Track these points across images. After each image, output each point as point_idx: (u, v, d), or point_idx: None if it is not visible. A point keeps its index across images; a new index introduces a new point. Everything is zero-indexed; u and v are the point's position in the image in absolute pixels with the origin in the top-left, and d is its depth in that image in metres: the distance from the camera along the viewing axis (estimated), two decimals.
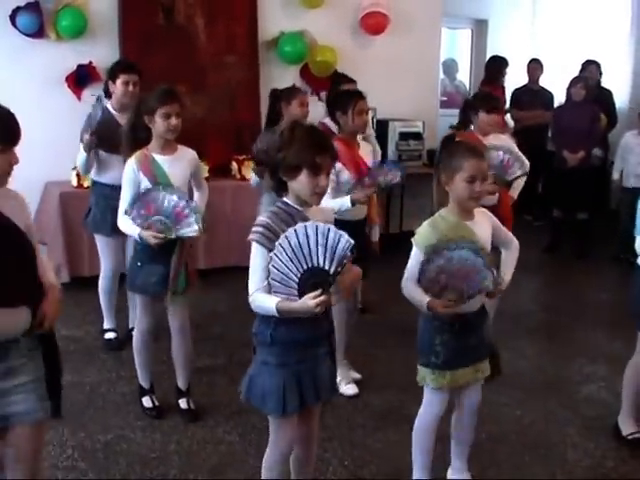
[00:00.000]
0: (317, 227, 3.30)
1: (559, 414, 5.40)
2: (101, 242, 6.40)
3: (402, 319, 6.67)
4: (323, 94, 9.19)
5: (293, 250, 3.30)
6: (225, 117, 8.80)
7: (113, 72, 6.27)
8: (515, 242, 4.21)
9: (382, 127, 9.32)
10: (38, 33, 8.25)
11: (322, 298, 3.28)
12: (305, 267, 3.31)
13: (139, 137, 5.00)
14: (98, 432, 5.00)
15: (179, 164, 5.02)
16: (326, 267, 3.29)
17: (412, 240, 3.97)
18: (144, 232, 4.80)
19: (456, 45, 14.06)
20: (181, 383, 5.30)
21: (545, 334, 6.97)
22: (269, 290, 3.40)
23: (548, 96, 10.86)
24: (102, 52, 8.40)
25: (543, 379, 5.95)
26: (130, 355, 5.45)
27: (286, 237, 3.30)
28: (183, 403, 5.27)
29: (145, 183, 4.87)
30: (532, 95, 10.77)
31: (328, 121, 6.53)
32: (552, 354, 6.54)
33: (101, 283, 6.45)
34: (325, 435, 4.81)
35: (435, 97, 10.76)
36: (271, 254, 3.32)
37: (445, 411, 4.22)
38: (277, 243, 3.32)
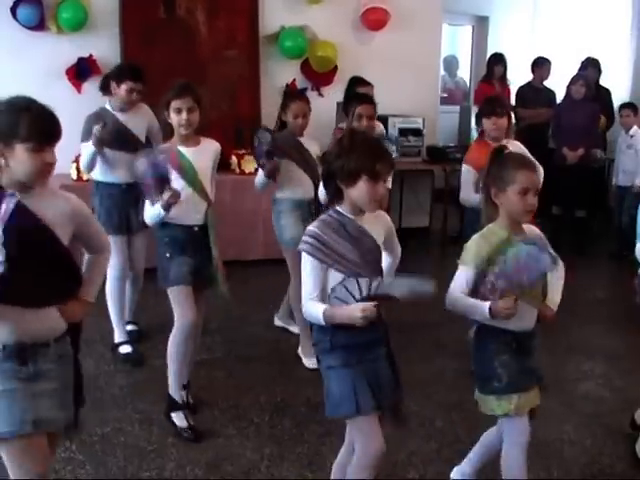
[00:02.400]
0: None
1: (556, 411, 5.39)
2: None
3: (401, 317, 6.70)
4: (323, 89, 9.24)
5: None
6: (225, 111, 8.82)
7: (120, 75, 6.15)
8: (561, 262, 3.94)
9: (382, 123, 9.30)
10: (39, 26, 8.27)
11: (371, 309, 3.30)
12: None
13: (166, 132, 5.01)
14: (96, 424, 5.01)
15: (203, 156, 4.98)
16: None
17: (459, 261, 3.81)
18: (164, 197, 4.69)
19: (457, 41, 14.07)
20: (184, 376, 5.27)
21: (543, 331, 6.96)
22: (322, 299, 3.43)
23: (551, 94, 10.85)
24: (103, 45, 8.43)
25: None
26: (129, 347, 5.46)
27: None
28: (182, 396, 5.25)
29: (173, 175, 4.80)
30: (536, 93, 10.75)
31: (344, 125, 6.54)
32: (549, 351, 6.53)
33: (109, 286, 6.22)
34: (323, 430, 4.82)
35: (435, 93, 10.76)
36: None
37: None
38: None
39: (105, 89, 6.24)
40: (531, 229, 3.95)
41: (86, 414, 5.05)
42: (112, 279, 6.18)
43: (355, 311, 3.33)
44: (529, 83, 10.81)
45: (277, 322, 6.79)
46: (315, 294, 3.45)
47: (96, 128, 5.82)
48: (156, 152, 4.90)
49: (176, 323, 4.94)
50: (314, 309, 3.45)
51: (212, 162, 5.06)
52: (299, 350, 6.18)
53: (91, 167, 6.11)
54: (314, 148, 6.04)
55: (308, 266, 3.48)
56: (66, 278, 3.28)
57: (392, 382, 3.70)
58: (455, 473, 4.37)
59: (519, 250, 3.67)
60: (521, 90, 10.92)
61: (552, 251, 3.74)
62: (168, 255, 4.93)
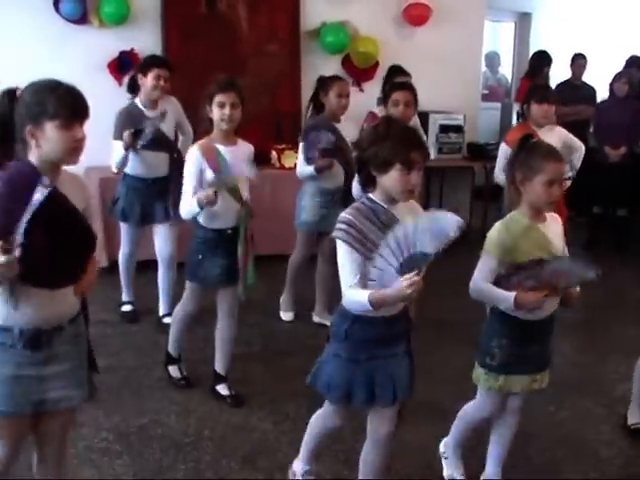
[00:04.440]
0: (425, 215, 3.41)
1: (594, 411, 5.36)
2: (125, 230, 6.57)
3: (439, 312, 6.69)
4: (364, 85, 9.22)
5: (393, 252, 3.30)
6: (266, 106, 8.81)
7: (145, 65, 6.26)
8: None
9: (422, 119, 9.25)
10: (81, 19, 8.32)
11: (415, 279, 3.25)
12: (406, 255, 3.29)
13: (204, 127, 5.00)
14: (133, 416, 5.04)
15: (240, 157, 4.99)
16: (427, 250, 3.27)
17: (483, 248, 3.86)
18: (199, 195, 4.76)
19: (499, 38, 13.99)
20: (221, 368, 5.32)
21: (582, 330, 6.92)
22: (363, 285, 3.40)
23: (590, 91, 10.75)
24: (144, 39, 8.46)
25: (578, 376, 5.91)
26: (165, 339, 5.48)
27: (392, 232, 3.31)
28: (223, 389, 5.31)
29: (208, 172, 4.84)
30: (574, 90, 10.65)
31: (378, 110, 6.54)
32: (589, 351, 6.50)
33: (121, 260, 6.76)
34: (359, 426, 4.81)
35: (477, 90, 10.71)
36: (382, 242, 3.34)
37: (492, 415, 4.20)
38: (385, 240, 3.32)
39: (132, 89, 6.28)
40: (554, 217, 3.97)
41: (124, 405, 5.14)
42: (123, 258, 6.74)
43: (402, 287, 3.26)
44: (567, 80, 10.70)
45: (315, 319, 6.80)
46: (355, 281, 3.41)
47: (126, 134, 5.90)
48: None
49: (181, 306, 5.33)
50: (357, 296, 3.40)
51: (246, 163, 5.07)
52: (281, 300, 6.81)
53: (123, 167, 6.22)
54: (352, 131, 6.11)
55: (344, 254, 3.45)
56: (86, 257, 3.32)
57: (406, 379, 3.72)
58: (485, 475, 4.37)
59: (560, 264, 3.67)
60: (559, 88, 10.83)
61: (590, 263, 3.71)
62: (200, 257, 5.02)
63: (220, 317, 5.24)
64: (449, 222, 3.26)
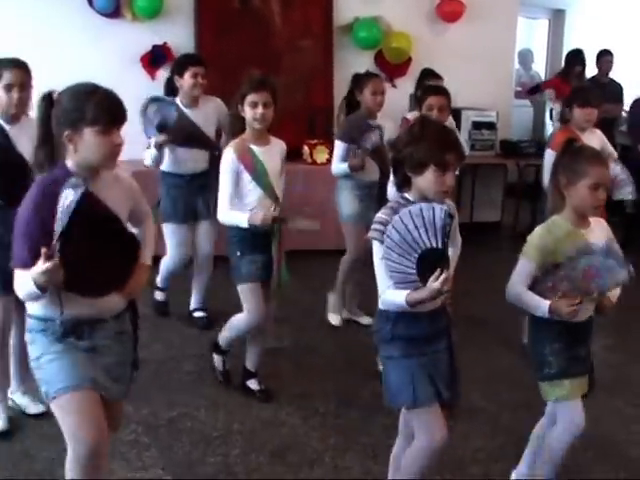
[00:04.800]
0: (410, 211, 3.29)
1: (624, 411, 5.32)
2: (170, 230, 6.37)
3: (473, 310, 6.66)
4: (396, 81, 9.20)
5: (400, 246, 3.29)
6: (298, 101, 8.77)
7: (180, 65, 6.22)
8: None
9: (455, 115, 9.20)
10: (114, 13, 8.35)
11: (443, 275, 3.25)
12: (416, 255, 3.28)
13: (236, 127, 4.97)
14: (162, 409, 5.05)
15: (273, 156, 4.96)
16: (434, 245, 3.27)
17: (522, 251, 3.79)
18: (252, 216, 4.72)
19: (532, 35, 13.91)
20: (251, 365, 5.31)
21: (613, 330, 6.86)
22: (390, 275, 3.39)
23: (617, 88, 10.61)
24: (177, 33, 8.49)
25: (610, 375, 5.84)
26: (195, 333, 5.49)
27: (389, 236, 3.31)
28: (254, 384, 5.30)
29: (244, 173, 4.82)
30: (601, 88, 10.53)
31: (411, 115, 6.52)
32: (622, 350, 6.44)
33: (167, 263, 6.47)
34: (388, 421, 4.79)
35: (510, 87, 10.64)
36: (383, 253, 3.34)
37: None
38: (384, 245, 3.33)
39: (171, 91, 6.27)
40: (599, 222, 3.91)
41: (153, 398, 5.14)
42: (169, 264, 6.46)
43: (432, 285, 3.26)
44: (593, 78, 10.52)
45: (345, 314, 6.77)
46: (392, 282, 3.40)
47: (159, 137, 5.90)
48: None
49: (244, 315, 5.08)
50: (394, 297, 3.40)
51: (280, 162, 5.04)
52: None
53: (156, 164, 6.20)
54: (389, 125, 6.14)
55: (380, 254, 3.43)
56: (128, 265, 3.34)
57: (450, 377, 3.67)
58: (514, 475, 4.31)
59: (592, 260, 3.63)
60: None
61: (629, 265, 3.67)
62: (239, 254, 4.97)
63: None
64: (435, 212, 3.27)
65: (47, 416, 4.29)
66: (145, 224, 3.60)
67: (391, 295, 3.43)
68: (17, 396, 5.02)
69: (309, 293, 6.99)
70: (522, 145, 9.79)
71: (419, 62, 8.75)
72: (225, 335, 5.29)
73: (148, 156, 6.11)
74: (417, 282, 3.32)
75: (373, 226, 3.45)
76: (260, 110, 4.78)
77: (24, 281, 3.02)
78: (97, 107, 3.05)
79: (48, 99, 3.17)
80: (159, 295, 6.76)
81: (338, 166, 6.18)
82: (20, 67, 4.49)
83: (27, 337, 3.30)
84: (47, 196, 3.01)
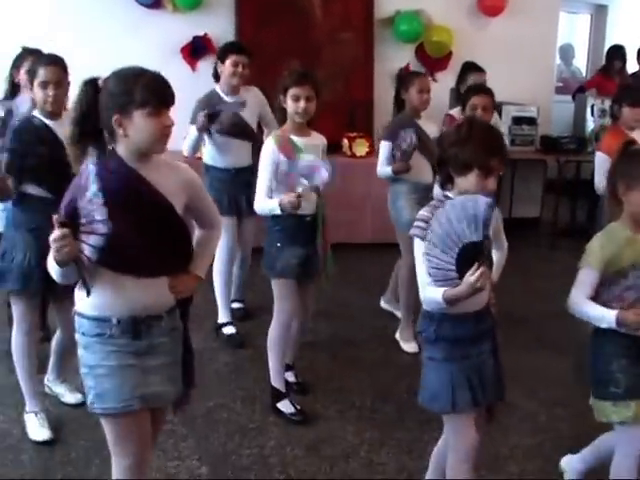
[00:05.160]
0: (453, 204, 3.27)
1: None
2: None
3: (507, 307, 6.60)
4: (437, 75, 9.16)
5: (442, 241, 3.26)
6: (338, 94, 8.74)
7: (223, 52, 6.21)
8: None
9: (496, 110, 9.19)
10: (155, 4, 8.40)
11: (480, 270, 3.21)
12: (457, 250, 3.25)
13: (279, 118, 4.97)
14: (199, 399, 5.04)
15: (314, 149, 4.93)
16: (474, 238, 3.23)
17: (582, 260, 3.66)
18: (282, 198, 4.66)
19: (574, 30, 13.81)
20: (289, 358, 5.29)
21: None
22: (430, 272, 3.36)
23: None
24: (217, 24, 8.51)
25: None
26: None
27: (432, 231, 3.28)
28: (290, 376, 5.28)
29: (284, 164, 4.79)
30: None
31: (455, 112, 6.49)
32: None
33: (217, 266, 6.23)
34: (424, 417, 4.78)
35: (551, 82, 10.58)
36: (425, 249, 3.31)
37: None
38: (426, 241, 3.30)
39: (216, 76, 6.26)
40: None
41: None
42: (220, 260, 6.20)
43: (467, 279, 3.22)
44: (634, 74, 10.34)
45: (383, 305, 6.76)
46: (432, 279, 3.36)
47: (200, 115, 5.86)
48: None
49: (275, 316, 5.00)
50: (432, 294, 3.37)
51: (321, 155, 5.01)
52: (397, 334, 6.18)
53: (194, 150, 6.17)
54: (432, 129, 6.06)
55: (421, 252, 3.40)
56: (179, 250, 3.29)
57: (495, 379, 3.61)
58: (566, 464, 4.25)
59: None
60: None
61: None
62: (279, 245, 4.91)
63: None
64: (478, 204, 3.22)
65: (84, 405, 4.30)
66: (209, 232, 3.54)
67: (430, 292, 3.39)
68: (54, 384, 5.05)
69: (345, 286, 6.99)
70: (562, 141, 9.71)
71: (460, 56, 8.72)
72: (271, 361, 5.07)
73: (186, 142, 6.09)
74: (457, 280, 3.28)
75: (415, 223, 3.42)
76: (302, 104, 4.76)
77: (50, 259, 2.99)
78: (146, 89, 3.02)
79: (92, 85, 3.14)
80: (228, 329, 6.29)
81: (383, 169, 6.10)
82: (56, 64, 4.48)
83: (79, 339, 3.22)
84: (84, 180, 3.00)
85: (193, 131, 5.96)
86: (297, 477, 4.34)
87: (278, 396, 5.05)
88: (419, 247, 3.40)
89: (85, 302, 3.14)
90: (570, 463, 4.24)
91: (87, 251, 2.95)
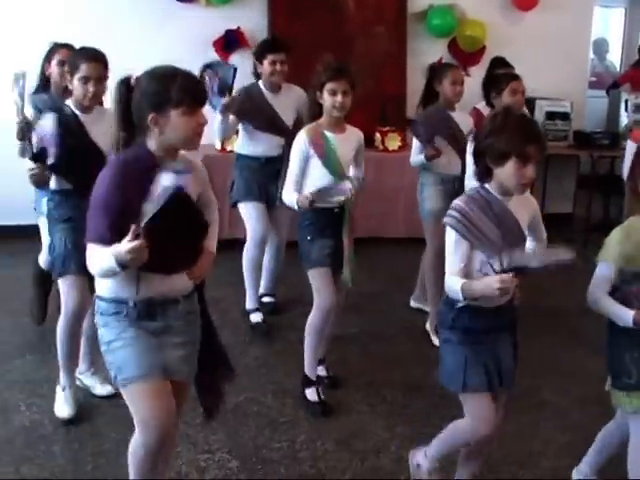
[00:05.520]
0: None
1: None
2: (247, 208, 6.29)
3: (539, 301, 6.59)
4: (470, 69, 9.11)
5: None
6: (370, 88, 8.65)
7: (260, 52, 6.21)
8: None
9: (528, 105, 9.09)
10: None
11: (508, 280, 3.22)
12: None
13: (314, 113, 4.95)
14: (230, 393, 5.02)
15: (348, 144, 4.94)
16: (532, 265, 3.27)
17: (600, 255, 3.67)
18: (299, 196, 4.73)
19: (608, 24, 13.71)
20: (320, 351, 5.28)
21: None
22: (465, 275, 3.38)
23: None
24: (250, 18, 8.51)
25: None
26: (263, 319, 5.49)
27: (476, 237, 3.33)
28: (321, 370, 5.28)
29: (314, 158, 4.82)
30: None
31: (481, 107, 6.47)
32: None
33: (247, 253, 6.30)
34: (455, 412, 4.76)
35: (584, 77, 10.48)
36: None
37: None
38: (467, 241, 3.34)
39: (256, 75, 6.26)
40: None
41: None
42: (250, 246, 6.25)
43: (492, 282, 3.26)
44: None
45: (413, 304, 6.75)
46: (457, 269, 3.40)
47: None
48: None
49: (315, 306, 4.97)
50: (453, 284, 3.40)
51: (354, 151, 5.02)
52: (427, 325, 6.21)
53: (222, 135, 6.23)
54: (466, 122, 6.09)
55: (453, 242, 3.43)
56: (199, 244, 3.37)
57: (509, 369, 3.64)
58: (575, 474, 4.22)
59: None
60: None
61: None
62: (309, 238, 4.94)
63: None
64: (562, 257, 3.26)
65: (116, 397, 4.33)
66: (212, 213, 3.58)
67: (451, 281, 3.42)
68: (85, 376, 5.08)
69: (377, 280, 6.98)
70: (596, 136, 9.64)
71: (493, 51, 8.65)
72: (307, 349, 5.06)
73: (217, 128, 6.07)
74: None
75: (450, 212, 3.44)
76: (339, 98, 4.76)
77: (101, 257, 3.04)
78: (181, 89, 3.10)
79: (126, 84, 3.21)
80: (255, 317, 6.37)
81: (415, 157, 6.13)
82: (98, 60, 4.52)
83: (98, 320, 3.32)
84: (129, 174, 3.05)
85: (218, 117, 5.97)
86: (327, 472, 4.34)
87: (308, 383, 5.09)
88: (450, 236, 3.43)
89: (103, 286, 3.24)
90: (579, 471, 4.23)
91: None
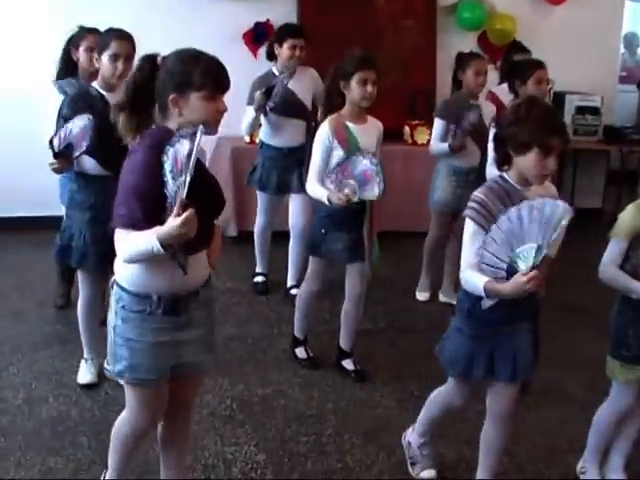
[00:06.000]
0: (532, 205, 3.22)
1: None
2: (262, 199, 6.63)
3: (567, 297, 6.56)
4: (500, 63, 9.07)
5: (505, 237, 3.25)
6: (399, 81, 8.63)
7: (280, 35, 6.30)
8: None
9: (558, 99, 9.08)
10: None
11: (533, 274, 3.21)
12: (515, 250, 3.25)
13: (334, 103, 4.97)
14: (257, 385, 5.07)
15: (369, 135, 4.96)
16: (539, 242, 3.21)
17: (613, 230, 3.77)
18: (331, 193, 4.74)
19: (639, 18, 13.60)
20: (345, 345, 5.31)
21: None
22: (479, 268, 3.38)
23: None
24: (280, 10, 8.47)
25: None
26: (291, 311, 5.49)
27: (497, 226, 3.26)
28: (349, 364, 5.30)
29: (338, 150, 4.84)
30: None
31: (498, 90, 6.46)
32: None
33: (256, 231, 6.78)
34: (482, 407, 4.75)
35: (615, 71, 10.41)
36: (484, 238, 3.30)
37: (629, 410, 3.99)
38: (489, 235, 3.29)
39: (270, 55, 6.31)
40: None
41: (248, 374, 5.17)
42: (258, 231, 6.75)
43: (521, 283, 3.23)
44: None
45: (441, 298, 6.75)
46: (473, 262, 3.39)
47: (257, 94, 5.93)
48: None
49: (305, 285, 5.30)
50: (474, 279, 3.39)
51: (376, 142, 5.03)
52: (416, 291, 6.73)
53: (251, 130, 6.43)
54: (488, 110, 6.11)
55: (471, 233, 3.43)
56: (214, 221, 3.34)
57: (528, 359, 3.64)
58: (607, 472, 4.22)
59: None
60: None
61: None
62: (323, 231, 5.00)
63: (347, 295, 5.20)
64: (559, 211, 3.20)
65: None
66: None
67: (471, 276, 3.41)
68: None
69: (404, 274, 6.96)
70: (626, 131, 9.59)
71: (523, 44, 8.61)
72: (296, 317, 5.46)
73: (244, 123, 6.25)
74: (502, 275, 3.30)
75: (469, 204, 3.44)
76: (370, 88, 4.78)
77: (136, 241, 2.98)
78: (204, 73, 3.07)
79: (151, 61, 3.18)
80: (257, 277, 6.88)
81: (437, 145, 6.15)
82: (127, 39, 4.63)
83: (117, 310, 3.22)
84: (157, 156, 2.99)
85: (250, 112, 6.13)
86: (354, 465, 4.34)
87: (296, 343, 5.48)
88: (469, 227, 3.44)
89: (125, 275, 3.18)
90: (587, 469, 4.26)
91: None
